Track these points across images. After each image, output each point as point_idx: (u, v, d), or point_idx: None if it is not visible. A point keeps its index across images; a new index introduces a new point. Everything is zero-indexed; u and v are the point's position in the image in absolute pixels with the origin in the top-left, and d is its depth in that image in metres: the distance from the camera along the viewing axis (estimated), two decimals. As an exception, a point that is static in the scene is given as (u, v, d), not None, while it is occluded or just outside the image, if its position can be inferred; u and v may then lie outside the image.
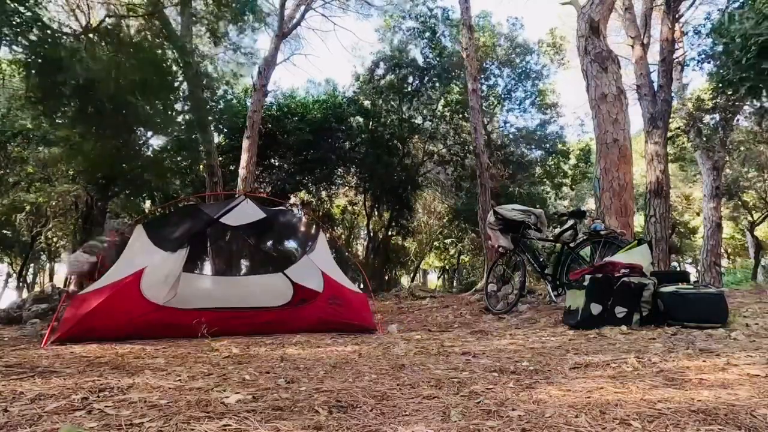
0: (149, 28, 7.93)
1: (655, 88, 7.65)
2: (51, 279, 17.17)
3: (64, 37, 6.07)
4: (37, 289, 12.70)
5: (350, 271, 9.55)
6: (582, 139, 14.88)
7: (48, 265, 18.07)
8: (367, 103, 12.74)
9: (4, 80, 7.91)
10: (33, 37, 5.32)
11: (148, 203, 11.41)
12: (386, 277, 14.42)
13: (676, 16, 8.38)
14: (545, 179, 13.99)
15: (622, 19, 8.47)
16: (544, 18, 41.79)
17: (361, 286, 7.46)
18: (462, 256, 17.88)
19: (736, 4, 6.69)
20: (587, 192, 16.87)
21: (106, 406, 1.33)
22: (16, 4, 5.00)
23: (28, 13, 5.11)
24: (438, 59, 12.32)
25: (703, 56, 8.81)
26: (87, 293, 3.22)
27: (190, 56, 7.80)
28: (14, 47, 5.52)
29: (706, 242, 10.24)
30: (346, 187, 14.53)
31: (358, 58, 26.67)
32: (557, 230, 4.67)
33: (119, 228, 4.09)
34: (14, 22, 4.99)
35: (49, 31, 5.59)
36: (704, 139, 10.45)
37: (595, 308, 3.25)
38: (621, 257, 3.65)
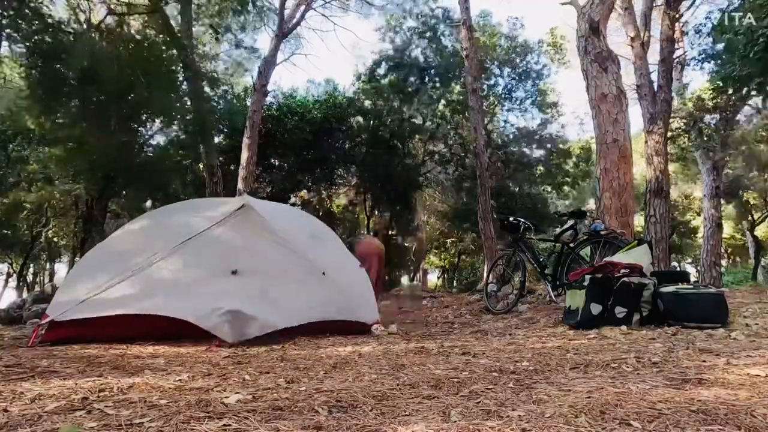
0: (150, 26, 7.94)
1: (655, 88, 7.64)
2: (51, 279, 17.17)
3: (65, 33, 6.08)
4: (37, 289, 12.70)
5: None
6: (582, 139, 14.91)
7: (48, 265, 18.09)
8: (368, 103, 12.74)
9: (5, 79, 7.92)
10: (34, 28, 5.33)
11: (148, 203, 11.42)
12: (386, 277, 14.41)
13: (676, 15, 8.37)
14: (546, 179, 13.99)
15: (621, 19, 8.46)
16: (545, 18, 41.80)
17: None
18: (462, 256, 17.88)
19: (737, 3, 6.69)
20: (588, 192, 16.89)
21: (106, 406, 1.33)
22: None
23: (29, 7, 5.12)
24: (439, 59, 12.32)
25: (703, 55, 8.83)
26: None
27: (190, 55, 7.81)
28: (15, 40, 5.52)
29: (706, 242, 10.25)
30: (347, 187, 14.53)
31: (359, 58, 26.76)
32: (557, 230, 4.67)
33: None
34: (13, 14, 5.00)
35: (50, 21, 5.59)
36: (705, 138, 10.45)
37: (595, 308, 3.25)
38: (621, 257, 3.65)
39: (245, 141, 9.39)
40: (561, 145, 13.77)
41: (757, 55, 5.12)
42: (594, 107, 5.52)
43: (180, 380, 1.73)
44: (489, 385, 1.59)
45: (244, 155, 9.33)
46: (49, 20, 5.91)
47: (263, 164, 11.76)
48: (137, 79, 6.73)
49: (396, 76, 12.34)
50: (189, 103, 8.78)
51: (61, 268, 18.32)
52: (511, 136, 14.07)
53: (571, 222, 4.55)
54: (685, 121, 10.68)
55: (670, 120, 8.76)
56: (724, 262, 19.54)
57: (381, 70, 12.61)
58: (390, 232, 14.00)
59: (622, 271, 3.35)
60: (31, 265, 16.88)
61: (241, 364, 2.16)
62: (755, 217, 14.89)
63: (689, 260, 21.53)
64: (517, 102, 13.75)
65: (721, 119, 10.51)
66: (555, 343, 2.63)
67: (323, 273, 3.35)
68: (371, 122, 12.48)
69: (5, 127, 8.24)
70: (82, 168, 8.17)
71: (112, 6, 7.79)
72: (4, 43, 5.89)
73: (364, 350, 2.56)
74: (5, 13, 5.13)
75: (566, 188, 14.31)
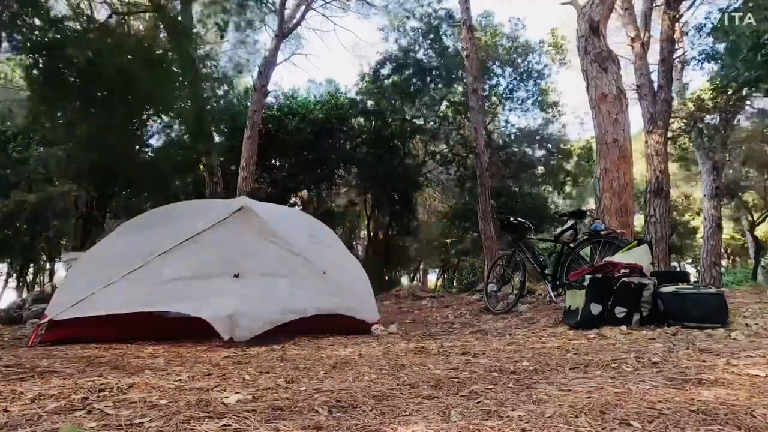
0: (152, 26, 7.94)
1: (655, 88, 7.64)
2: (51, 279, 17.15)
3: (68, 32, 6.08)
4: (37, 289, 12.69)
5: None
6: (583, 138, 14.92)
7: (48, 265, 18.07)
8: (370, 103, 12.75)
9: (5, 79, 7.93)
10: (36, 27, 5.32)
11: (149, 203, 11.41)
12: (386, 277, 14.41)
13: (676, 15, 8.37)
14: (547, 179, 14.00)
15: (621, 19, 8.46)
16: (545, 18, 41.83)
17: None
18: (462, 256, 17.88)
19: (737, 3, 6.68)
20: (588, 191, 16.89)
21: (106, 406, 1.34)
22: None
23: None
24: (441, 59, 12.32)
25: (703, 56, 8.83)
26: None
27: (190, 54, 7.81)
28: (16, 39, 5.50)
29: (706, 242, 10.25)
30: (347, 187, 14.54)
31: (361, 58, 26.81)
32: (557, 230, 4.67)
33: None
34: (14, 12, 4.99)
35: (52, 19, 5.59)
36: (705, 139, 10.45)
37: (595, 308, 3.25)
38: (621, 257, 3.65)
39: (245, 141, 9.40)
40: (562, 145, 13.78)
41: (764, 57, 5.08)
42: (594, 107, 5.52)
43: (180, 380, 1.73)
44: (489, 385, 1.59)
45: (245, 155, 9.33)
46: (52, 19, 5.92)
47: (264, 164, 11.76)
48: (138, 79, 6.73)
49: (399, 76, 12.34)
50: (189, 102, 8.79)
51: (61, 268, 18.30)
52: (512, 136, 14.08)
53: (571, 222, 4.55)
54: (685, 121, 10.68)
55: (670, 120, 8.76)
56: (724, 262, 19.54)
57: (385, 71, 12.62)
58: (390, 232, 14.00)
59: (622, 271, 3.34)
60: (31, 265, 16.87)
61: (241, 364, 2.16)
62: (755, 217, 14.87)
63: (689, 260, 21.53)
64: (519, 102, 13.76)
65: (721, 119, 10.51)
66: (555, 343, 2.63)
67: (324, 272, 3.36)
68: (373, 123, 12.48)
69: (5, 127, 8.25)
70: (82, 168, 8.17)
71: (114, 5, 7.79)
72: (6, 43, 5.88)
73: (364, 350, 2.56)
74: (6, 12, 5.14)
75: (567, 188, 14.33)
